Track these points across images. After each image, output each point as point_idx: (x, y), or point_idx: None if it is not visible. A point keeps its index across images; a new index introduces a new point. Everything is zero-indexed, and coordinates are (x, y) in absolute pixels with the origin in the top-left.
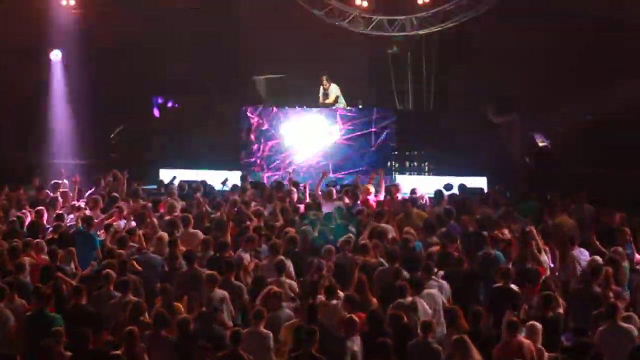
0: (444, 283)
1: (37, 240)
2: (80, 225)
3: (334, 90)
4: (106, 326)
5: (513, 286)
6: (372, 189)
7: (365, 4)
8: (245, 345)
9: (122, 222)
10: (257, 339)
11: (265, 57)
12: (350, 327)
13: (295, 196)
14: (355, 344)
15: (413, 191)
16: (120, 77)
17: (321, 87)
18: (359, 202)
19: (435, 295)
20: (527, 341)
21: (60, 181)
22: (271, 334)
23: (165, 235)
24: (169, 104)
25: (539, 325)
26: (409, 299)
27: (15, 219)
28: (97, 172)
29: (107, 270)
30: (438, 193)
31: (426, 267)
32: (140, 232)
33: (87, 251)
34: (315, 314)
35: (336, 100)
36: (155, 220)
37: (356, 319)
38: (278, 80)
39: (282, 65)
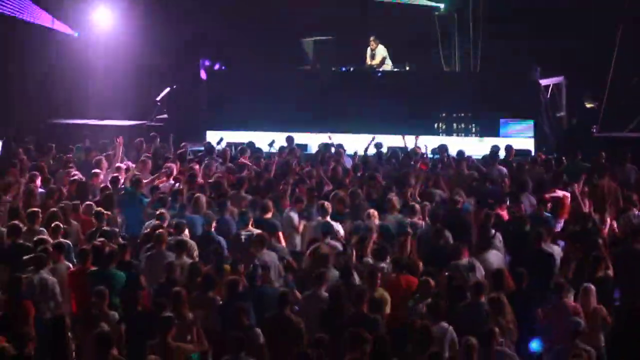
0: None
1: (87, 202)
2: (129, 186)
3: (381, 51)
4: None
5: (554, 248)
6: (422, 149)
7: None
8: (303, 309)
9: (171, 183)
10: (316, 302)
11: (313, 20)
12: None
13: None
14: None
15: (461, 153)
16: (166, 40)
17: (368, 49)
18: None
19: (493, 256)
20: (573, 304)
21: (107, 142)
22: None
23: (202, 197)
24: (216, 67)
25: (591, 287)
26: (465, 259)
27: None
28: (143, 133)
29: (160, 230)
30: (494, 152)
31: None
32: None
33: (135, 212)
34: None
35: (383, 62)
36: (202, 181)
37: (431, 281)
38: (325, 42)
39: (330, 27)
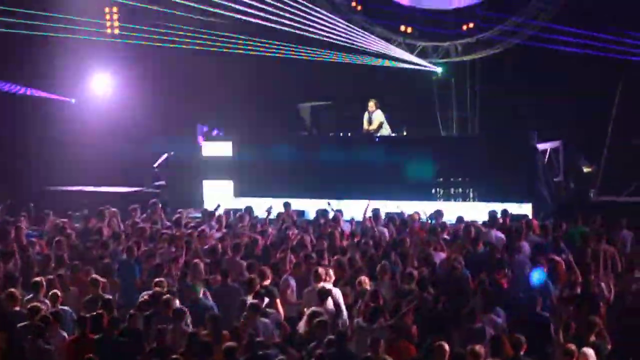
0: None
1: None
2: (124, 255)
3: (378, 116)
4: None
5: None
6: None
7: (409, 30)
8: None
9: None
10: None
11: (311, 86)
12: None
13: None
14: None
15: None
16: (167, 105)
17: (366, 112)
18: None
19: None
20: None
21: (106, 209)
22: None
23: (200, 263)
24: (214, 132)
25: (589, 351)
26: (479, 324)
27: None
28: (140, 200)
29: (167, 296)
30: (492, 217)
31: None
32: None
33: (129, 280)
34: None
35: (380, 126)
36: (199, 246)
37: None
38: (323, 107)
39: (327, 93)
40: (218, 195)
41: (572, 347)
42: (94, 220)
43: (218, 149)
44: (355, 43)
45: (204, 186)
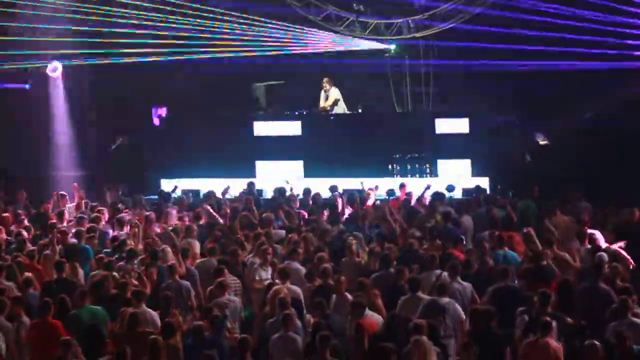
0: (466, 285)
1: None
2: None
3: (334, 93)
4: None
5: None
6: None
7: (362, 8)
8: (275, 350)
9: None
10: (287, 342)
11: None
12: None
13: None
14: None
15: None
16: (120, 88)
17: (322, 91)
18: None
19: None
20: (555, 343)
21: (64, 193)
22: (299, 338)
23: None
24: (165, 114)
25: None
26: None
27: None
28: (98, 183)
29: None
30: (437, 195)
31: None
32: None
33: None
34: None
35: (335, 103)
36: (157, 230)
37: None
38: (277, 86)
39: (281, 73)
40: None
41: (547, 319)
42: (47, 205)
43: None
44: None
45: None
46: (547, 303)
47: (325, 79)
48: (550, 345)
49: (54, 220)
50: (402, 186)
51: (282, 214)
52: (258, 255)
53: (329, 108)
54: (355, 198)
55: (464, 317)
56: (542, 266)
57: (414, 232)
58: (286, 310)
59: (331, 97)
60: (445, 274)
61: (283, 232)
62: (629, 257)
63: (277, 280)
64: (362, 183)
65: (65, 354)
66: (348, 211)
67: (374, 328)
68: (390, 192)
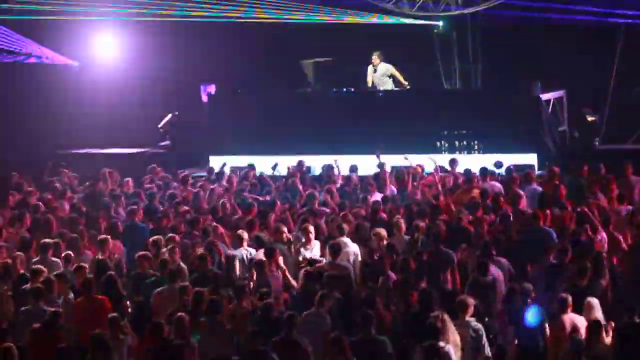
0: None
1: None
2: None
3: (383, 68)
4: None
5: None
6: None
7: None
8: (304, 328)
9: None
10: (319, 322)
11: (313, 42)
12: None
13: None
14: None
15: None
16: (167, 65)
17: (370, 66)
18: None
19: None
20: (577, 317)
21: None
22: (328, 317)
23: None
24: (214, 91)
25: (593, 301)
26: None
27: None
28: (146, 161)
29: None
30: (482, 170)
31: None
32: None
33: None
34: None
35: (391, 77)
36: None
37: None
38: (325, 63)
39: (329, 49)
40: None
41: (565, 296)
42: (101, 183)
43: None
44: None
45: None
46: (584, 278)
47: (375, 54)
48: (565, 321)
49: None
50: (453, 162)
51: (328, 193)
52: (301, 232)
53: (377, 83)
54: (404, 174)
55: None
56: (581, 242)
57: (460, 208)
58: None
59: (380, 72)
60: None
61: (327, 209)
62: None
63: (327, 257)
64: (406, 158)
65: (114, 331)
66: (393, 187)
67: None
68: (441, 168)
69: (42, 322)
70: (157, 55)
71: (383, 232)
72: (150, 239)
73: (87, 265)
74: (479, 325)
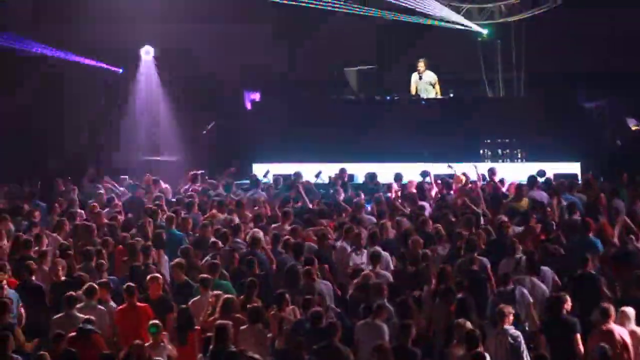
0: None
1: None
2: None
3: (429, 76)
4: None
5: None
6: (463, 178)
7: None
8: (359, 337)
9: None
10: (374, 330)
11: (356, 49)
12: None
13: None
14: None
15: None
16: (212, 72)
17: (415, 73)
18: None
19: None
20: (618, 328)
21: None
22: (385, 326)
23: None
24: (258, 98)
25: (628, 310)
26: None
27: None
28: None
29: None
30: (531, 179)
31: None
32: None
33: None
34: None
35: (432, 86)
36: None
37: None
38: (369, 71)
39: (371, 56)
40: None
41: (607, 305)
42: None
43: None
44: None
45: None
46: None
47: (421, 60)
48: (614, 330)
49: (150, 206)
50: (492, 172)
51: (374, 202)
52: (349, 240)
53: (421, 90)
54: (450, 183)
55: (531, 300)
56: (628, 251)
57: (500, 217)
58: (379, 300)
59: (425, 79)
60: (524, 258)
61: (373, 218)
62: None
63: (368, 266)
64: (450, 167)
65: (155, 339)
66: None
67: None
68: (483, 177)
69: (77, 329)
70: (200, 61)
71: (420, 240)
72: (180, 248)
73: (160, 276)
74: (518, 333)
